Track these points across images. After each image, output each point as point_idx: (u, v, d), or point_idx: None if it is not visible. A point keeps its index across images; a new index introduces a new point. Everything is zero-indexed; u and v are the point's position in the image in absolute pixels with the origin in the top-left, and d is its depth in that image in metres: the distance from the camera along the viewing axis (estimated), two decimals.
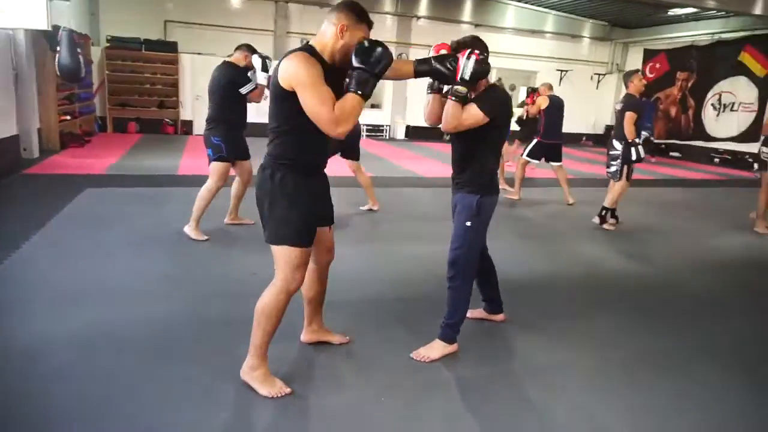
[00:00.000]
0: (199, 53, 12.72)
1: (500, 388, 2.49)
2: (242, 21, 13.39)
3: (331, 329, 2.80)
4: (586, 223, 5.81)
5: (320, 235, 2.36)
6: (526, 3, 15.27)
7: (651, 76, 14.99)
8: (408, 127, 15.17)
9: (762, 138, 6.07)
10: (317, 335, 2.75)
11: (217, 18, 13.17)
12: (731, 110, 13.65)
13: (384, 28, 14.69)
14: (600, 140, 16.39)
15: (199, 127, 12.87)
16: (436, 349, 2.72)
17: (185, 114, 12.79)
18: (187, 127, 12.83)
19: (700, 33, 14.09)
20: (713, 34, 13.85)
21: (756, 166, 6.23)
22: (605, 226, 5.71)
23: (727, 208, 7.63)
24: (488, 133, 2.59)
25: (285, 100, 2.04)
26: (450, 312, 2.73)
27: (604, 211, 5.74)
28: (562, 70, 16.41)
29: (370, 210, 5.80)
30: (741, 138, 13.43)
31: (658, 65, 15.13)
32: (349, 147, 5.35)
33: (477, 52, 2.38)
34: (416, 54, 14.93)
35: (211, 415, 2.12)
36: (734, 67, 13.50)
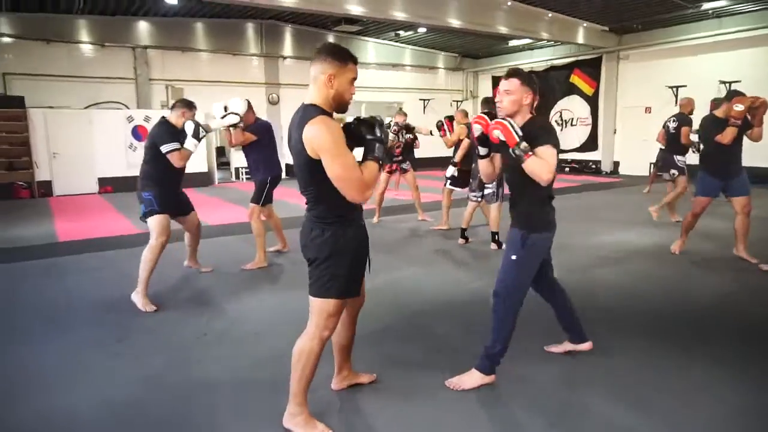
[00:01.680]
0: (50, 107, 11.62)
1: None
2: (98, 69, 12.51)
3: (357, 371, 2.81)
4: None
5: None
6: (384, 39, 16.23)
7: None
8: (286, 166, 15.14)
9: (660, 148, 6.94)
10: (348, 380, 2.75)
11: (68, 68, 12.16)
12: (572, 125, 15.70)
13: (251, 69, 14.66)
14: None
15: (61, 187, 11.69)
16: (474, 378, 2.70)
17: (41, 174, 11.51)
18: (46, 188, 11.54)
19: (536, 60, 16.09)
20: (547, 60, 15.89)
21: (675, 172, 7.04)
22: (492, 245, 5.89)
23: (614, 206, 8.73)
24: None
25: (314, 166, 2.06)
26: (491, 341, 2.69)
27: (496, 236, 5.88)
28: (425, 100, 17.59)
29: (279, 251, 5.75)
30: (582, 148, 15.47)
31: None
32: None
33: (500, 118, 2.55)
34: (286, 94, 15.09)
35: None
36: (568, 88, 15.61)
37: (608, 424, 2.41)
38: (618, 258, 5.38)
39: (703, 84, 11.90)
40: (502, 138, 2.50)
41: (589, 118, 15.29)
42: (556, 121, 15.90)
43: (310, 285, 2.27)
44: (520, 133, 2.47)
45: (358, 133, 2.22)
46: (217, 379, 2.89)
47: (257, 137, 5.02)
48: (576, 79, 15.44)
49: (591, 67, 15.00)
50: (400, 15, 10.38)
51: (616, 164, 14.80)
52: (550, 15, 12.24)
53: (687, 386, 2.73)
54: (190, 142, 4.09)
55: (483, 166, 2.84)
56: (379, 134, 2.19)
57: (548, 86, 15.42)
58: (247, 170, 14.53)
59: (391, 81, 16.98)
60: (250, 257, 5.36)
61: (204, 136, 4.19)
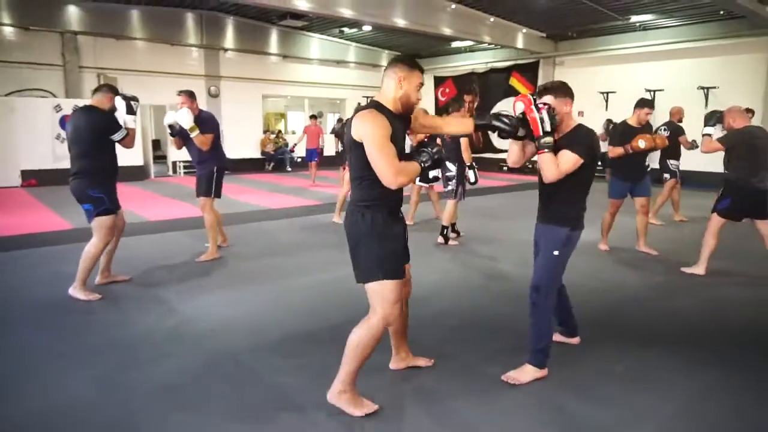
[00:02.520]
0: None
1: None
2: (21, 54, 11.70)
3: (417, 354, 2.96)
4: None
5: None
6: (329, 36, 16.15)
7: (443, 99, 17.13)
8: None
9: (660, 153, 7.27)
10: (406, 362, 2.92)
11: None
12: None
13: (190, 61, 14.18)
14: None
15: None
16: (528, 373, 2.79)
17: None
18: None
19: (477, 62, 16.52)
20: (487, 62, 16.34)
21: (667, 176, 7.41)
22: (451, 242, 6.07)
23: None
24: (578, 171, 2.67)
25: (359, 150, 2.26)
26: (535, 338, 2.79)
27: (445, 230, 6.07)
28: (368, 97, 17.62)
29: (219, 246, 5.56)
30: None
31: (447, 89, 17.30)
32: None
33: (546, 103, 2.60)
34: (227, 86, 14.71)
35: None
36: (507, 90, 16.12)
37: (587, 422, 2.56)
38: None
39: (631, 91, 12.62)
40: (519, 109, 2.62)
41: None
42: None
43: (355, 271, 2.41)
44: (548, 129, 2.58)
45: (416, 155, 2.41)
46: (172, 379, 2.82)
47: (213, 133, 4.91)
48: (515, 82, 15.98)
49: (529, 71, 15.57)
50: (346, 12, 10.38)
51: None
52: (491, 19, 12.61)
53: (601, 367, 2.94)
54: (128, 119, 3.94)
55: (512, 149, 2.86)
56: (430, 157, 2.37)
57: (488, 88, 15.86)
58: (186, 164, 14.10)
59: (335, 77, 16.93)
60: (195, 251, 5.23)
61: (137, 108, 4.02)
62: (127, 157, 5.56)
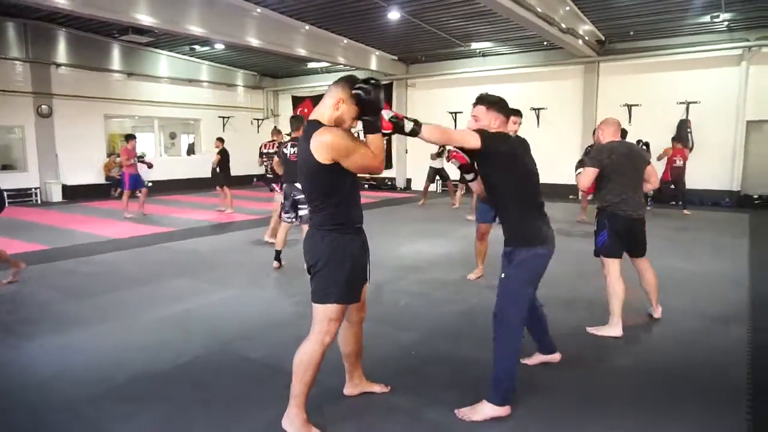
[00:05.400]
0: None
1: None
2: None
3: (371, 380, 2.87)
4: None
5: None
6: (178, 53, 15.35)
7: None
8: (65, 187, 13.23)
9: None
10: (360, 387, 2.83)
11: None
12: None
13: (14, 76, 12.54)
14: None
15: None
16: (482, 410, 2.54)
17: None
18: None
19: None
20: None
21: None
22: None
23: (410, 219, 9.41)
24: (513, 186, 2.60)
25: (323, 174, 2.23)
26: (495, 370, 2.55)
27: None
28: (224, 117, 17.04)
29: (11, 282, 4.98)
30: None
31: (306, 110, 17.34)
32: None
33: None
34: (62, 105, 13.28)
35: None
36: None
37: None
38: (419, 267, 5.89)
39: None
40: (457, 165, 2.70)
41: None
42: None
43: (312, 292, 2.36)
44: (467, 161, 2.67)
45: (366, 107, 2.25)
46: None
47: None
48: None
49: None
50: (196, 29, 9.93)
51: (409, 181, 16.17)
52: (345, 41, 12.93)
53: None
54: None
55: (474, 187, 2.86)
56: (375, 115, 2.27)
57: None
58: None
59: (187, 97, 16.09)
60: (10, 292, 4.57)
61: None
62: None
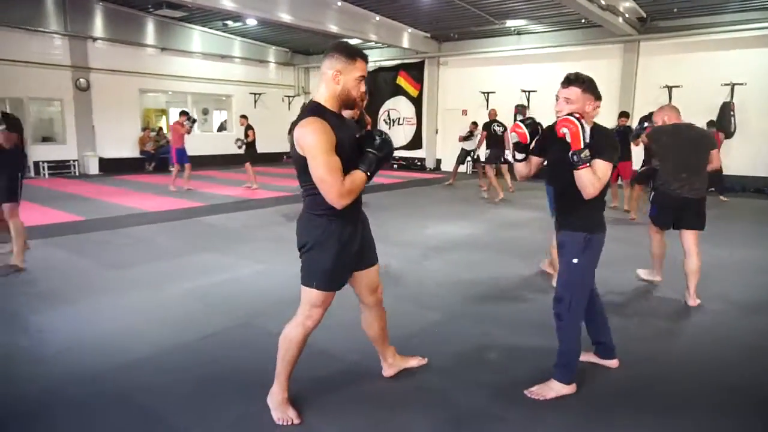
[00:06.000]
0: None
1: None
2: None
3: (406, 355, 2.86)
4: None
5: (361, 277, 2.45)
6: (211, 29, 15.43)
7: None
8: (101, 160, 13.59)
9: None
10: (395, 366, 2.80)
11: None
12: (399, 124, 16.60)
13: (52, 50, 12.82)
14: None
15: None
16: (553, 389, 2.61)
17: None
18: None
19: None
20: (375, 61, 16.55)
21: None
22: None
23: (438, 201, 9.36)
24: None
25: (305, 163, 2.09)
26: (560, 351, 2.63)
27: None
28: (255, 93, 17.13)
29: (16, 269, 4.68)
30: (409, 146, 16.45)
31: None
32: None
33: (578, 124, 2.39)
34: (99, 79, 13.54)
35: None
36: (395, 89, 16.47)
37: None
38: (444, 248, 5.86)
39: (509, 91, 13.47)
40: (568, 139, 2.39)
41: (414, 118, 16.32)
42: (384, 120, 16.70)
43: (300, 272, 2.31)
44: (588, 141, 2.39)
45: (361, 143, 2.22)
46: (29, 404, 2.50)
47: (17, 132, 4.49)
48: (402, 81, 16.36)
49: (415, 70, 16.01)
50: (228, 4, 9.97)
51: (439, 161, 16.03)
52: (377, 18, 12.78)
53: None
54: None
55: (519, 168, 2.79)
56: (377, 147, 2.19)
57: (377, 86, 16.08)
58: (51, 165, 12.81)
59: (220, 72, 16.22)
60: (52, 262, 4.72)
61: None
62: None
